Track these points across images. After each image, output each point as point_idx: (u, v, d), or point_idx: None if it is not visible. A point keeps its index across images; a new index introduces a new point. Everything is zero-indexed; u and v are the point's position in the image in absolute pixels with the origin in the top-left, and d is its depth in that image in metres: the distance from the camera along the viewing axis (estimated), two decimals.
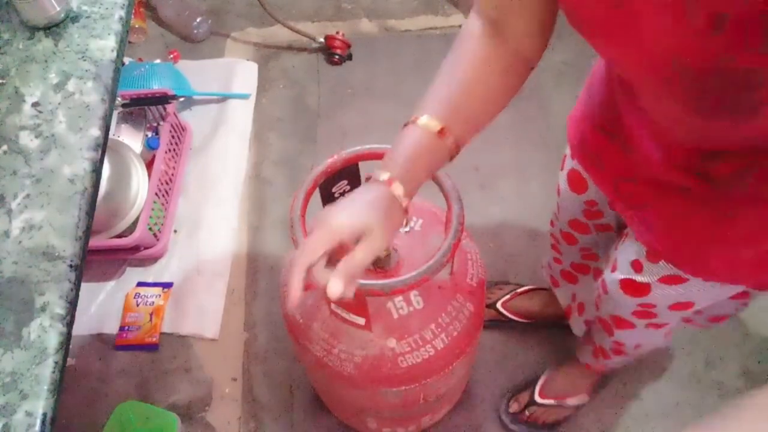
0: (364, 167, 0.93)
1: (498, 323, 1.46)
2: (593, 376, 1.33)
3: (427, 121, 0.64)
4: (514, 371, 1.42)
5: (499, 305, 1.45)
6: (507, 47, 0.66)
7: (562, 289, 1.29)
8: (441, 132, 0.64)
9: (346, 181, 0.94)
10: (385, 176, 0.63)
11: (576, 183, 0.97)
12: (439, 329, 0.94)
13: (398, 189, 0.62)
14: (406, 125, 0.66)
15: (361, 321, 0.88)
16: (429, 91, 0.67)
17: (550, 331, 1.46)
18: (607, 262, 0.98)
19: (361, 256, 0.59)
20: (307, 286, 0.93)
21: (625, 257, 0.88)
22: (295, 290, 0.60)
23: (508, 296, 1.45)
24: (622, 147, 0.77)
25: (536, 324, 1.45)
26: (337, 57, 1.92)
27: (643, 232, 0.82)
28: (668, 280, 0.82)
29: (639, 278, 0.85)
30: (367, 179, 0.64)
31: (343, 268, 0.59)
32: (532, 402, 1.34)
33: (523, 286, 1.47)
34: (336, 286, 0.58)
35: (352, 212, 0.60)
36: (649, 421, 1.36)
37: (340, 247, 0.60)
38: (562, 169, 1.01)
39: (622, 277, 0.88)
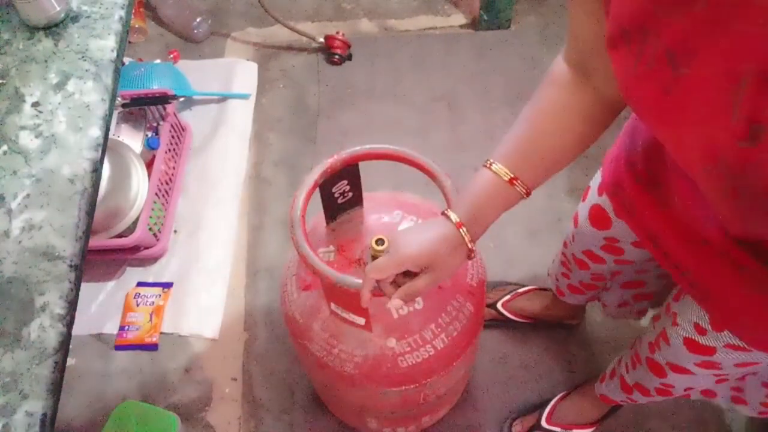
0: (364, 167, 0.93)
1: (498, 323, 1.46)
2: (604, 408, 1.30)
3: (498, 168, 0.69)
4: (514, 374, 1.42)
5: (499, 305, 1.45)
6: (592, 91, 0.65)
7: (567, 298, 1.26)
8: (511, 181, 0.69)
9: (346, 181, 0.94)
10: (455, 218, 0.70)
11: (598, 219, 0.94)
12: (439, 329, 0.94)
13: (465, 234, 0.70)
14: (483, 166, 0.70)
15: (361, 321, 0.88)
16: (508, 134, 0.70)
17: (550, 332, 1.46)
18: (661, 307, 0.93)
19: (421, 284, 0.71)
20: (307, 287, 0.95)
21: (686, 317, 0.82)
22: (366, 300, 0.74)
23: (508, 296, 1.45)
24: (659, 201, 0.75)
25: (537, 324, 1.45)
26: (337, 57, 1.92)
27: (699, 299, 0.77)
28: (734, 347, 0.77)
29: (703, 341, 0.80)
30: (442, 214, 0.72)
31: (405, 289, 0.72)
32: (537, 426, 1.32)
33: (523, 286, 1.47)
34: (397, 302, 0.72)
35: (421, 245, 0.69)
36: (648, 420, 1.36)
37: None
38: (583, 201, 0.99)
39: (686, 335, 0.83)
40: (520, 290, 1.46)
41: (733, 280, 0.68)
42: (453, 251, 0.70)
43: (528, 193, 0.70)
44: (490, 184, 0.69)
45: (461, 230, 0.69)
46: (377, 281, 0.73)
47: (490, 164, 0.69)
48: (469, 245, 0.70)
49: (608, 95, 0.65)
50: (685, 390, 0.97)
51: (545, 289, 1.42)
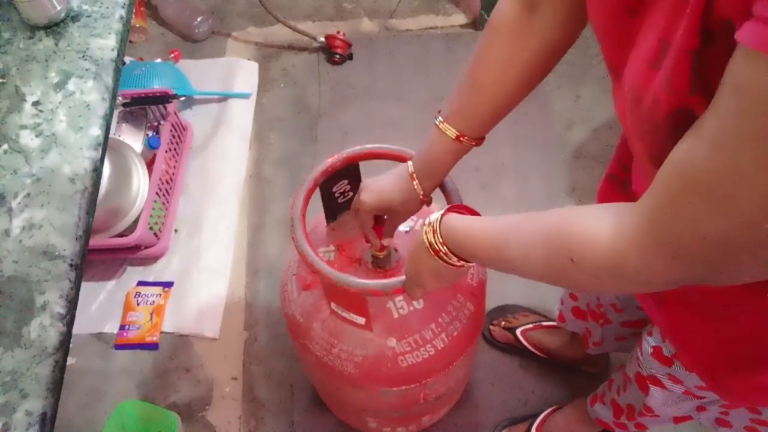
0: (364, 167, 0.93)
1: (513, 349, 1.41)
2: (597, 428, 1.20)
3: (446, 128, 0.73)
4: (516, 375, 1.42)
5: (518, 332, 1.39)
6: (535, 33, 0.65)
7: (568, 325, 1.20)
8: (458, 138, 0.73)
9: (346, 181, 0.94)
10: (411, 169, 0.78)
11: None
12: (439, 329, 0.94)
13: (417, 185, 0.78)
14: (434, 124, 0.74)
15: (362, 321, 0.88)
16: (455, 88, 0.72)
17: (561, 370, 1.40)
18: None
19: (389, 225, 0.86)
20: (307, 286, 0.94)
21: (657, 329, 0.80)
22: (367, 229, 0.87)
23: (530, 325, 1.39)
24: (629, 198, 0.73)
25: (554, 364, 1.39)
26: (337, 56, 1.92)
27: (650, 306, 0.75)
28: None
29: (665, 351, 0.78)
30: (408, 160, 0.80)
31: (385, 231, 0.88)
32: None
33: (550, 320, 1.40)
34: (387, 241, 0.89)
35: (377, 194, 0.81)
36: None
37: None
38: None
39: (655, 344, 0.81)
40: (545, 323, 1.39)
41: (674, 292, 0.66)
42: (407, 197, 0.79)
43: (478, 143, 0.74)
44: (439, 142, 0.74)
45: (414, 183, 0.78)
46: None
47: (439, 123, 0.73)
48: (421, 196, 0.79)
49: (552, 35, 0.64)
50: (672, 420, 0.91)
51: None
